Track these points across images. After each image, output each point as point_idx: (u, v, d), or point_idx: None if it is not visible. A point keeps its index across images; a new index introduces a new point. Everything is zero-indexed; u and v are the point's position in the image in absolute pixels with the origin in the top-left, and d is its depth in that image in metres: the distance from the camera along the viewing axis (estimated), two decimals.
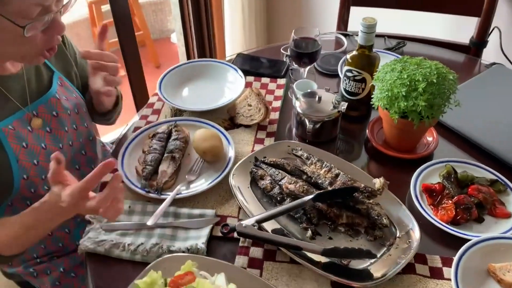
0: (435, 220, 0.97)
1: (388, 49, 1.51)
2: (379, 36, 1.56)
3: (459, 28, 1.74)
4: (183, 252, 0.93)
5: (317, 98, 1.17)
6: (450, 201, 0.99)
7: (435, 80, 0.99)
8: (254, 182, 1.07)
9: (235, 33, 2.56)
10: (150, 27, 3.76)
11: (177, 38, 2.84)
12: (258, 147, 1.17)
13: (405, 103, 1.00)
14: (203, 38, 2.52)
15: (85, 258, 0.95)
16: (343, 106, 1.16)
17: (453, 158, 1.10)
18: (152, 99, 1.34)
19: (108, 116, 1.24)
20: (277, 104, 1.31)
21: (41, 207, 0.89)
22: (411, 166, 1.09)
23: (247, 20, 2.42)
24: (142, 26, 3.43)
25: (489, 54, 1.61)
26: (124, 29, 2.19)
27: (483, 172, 1.07)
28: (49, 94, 1.09)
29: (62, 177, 0.88)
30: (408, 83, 1.00)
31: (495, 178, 1.05)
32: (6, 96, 1.00)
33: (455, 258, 0.87)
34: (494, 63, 1.40)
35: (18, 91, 1.03)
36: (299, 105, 1.17)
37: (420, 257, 0.93)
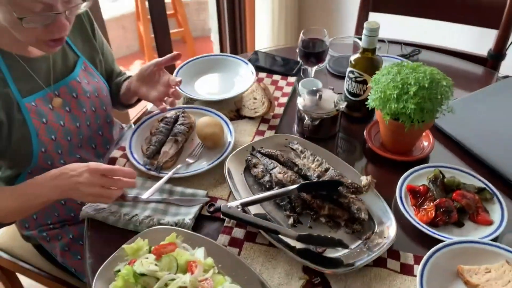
0: (414, 220, 0.99)
1: (403, 55, 1.53)
2: (397, 43, 1.59)
3: (478, 40, 1.72)
4: (171, 225, 1.01)
5: (318, 96, 1.22)
6: (432, 203, 1.01)
7: (426, 85, 1.02)
8: (247, 169, 1.13)
9: (264, 32, 2.64)
10: (192, 26, 3.90)
11: (213, 36, 2.96)
12: (258, 138, 1.23)
13: (396, 105, 1.03)
14: (235, 36, 2.62)
15: (85, 222, 1.05)
16: (342, 105, 1.20)
17: (447, 164, 1.12)
18: None
19: (129, 107, 1.44)
20: (284, 100, 1.37)
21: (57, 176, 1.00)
22: (405, 168, 1.12)
23: (277, 20, 2.49)
24: (183, 23, 3.58)
25: (508, 67, 1.60)
26: (159, 24, 2.33)
27: (472, 180, 1.08)
28: (71, 77, 1.20)
29: None
30: (401, 86, 1.03)
31: (483, 186, 1.06)
32: (32, 76, 1.11)
33: (425, 257, 0.90)
34: (507, 76, 1.40)
35: (43, 72, 1.14)
36: (300, 101, 1.23)
37: (393, 253, 0.96)
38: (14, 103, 1.07)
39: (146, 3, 3.39)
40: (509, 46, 1.55)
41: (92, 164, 0.99)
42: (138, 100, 1.42)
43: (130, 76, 1.37)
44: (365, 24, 1.15)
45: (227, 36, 2.70)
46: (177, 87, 1.23)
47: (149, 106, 1.40)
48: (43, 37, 0.99)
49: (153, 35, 3.33)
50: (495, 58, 1.57)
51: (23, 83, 1.09)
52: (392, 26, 1.70)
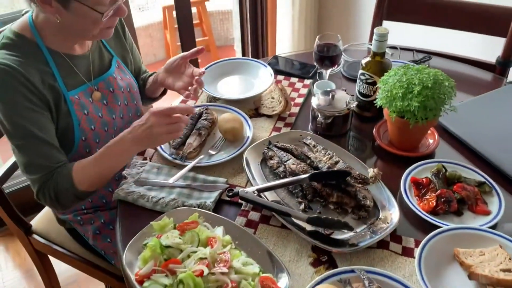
0: (417, 209, 1.08)
1: (414, 61, 1.62)
2: (409, 49, 1.68)
3: (487, 47, 1.79)
4: (194, 207, 1.12)
5: (331, 96, 1.32)
6: (433, 194, 1.09)
7: (430, 85, 1.11)
8: (264, 161, 1.24)
9: (285, 38, 2.75)
10: (216, 35, 4.06)
11: (236, 45, 3.09)
12: (274, 134, 1.33)
13: (401, 103, 1.12)
14: (257, 44, 2.75)
15: (117, 203, 1.17)
16: (353, 104, 1.30)
17: (450, 159, 1.20)
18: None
19: (154, 101, 1.58)
20: (300, 100, 1.48)
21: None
22: (411, 164, 1.20)
23: (297, 27, 2.60)
24: (208, 32, 3.74)
25: None
26: (185, 33, 2.48)
27: (473, 174, 1.16)
28: (108, 73, 1.33)
29: None
30: (406, 85, 1.13)
31: (483, 180, 1.13)
32: (75, 72, 1.25)
33: (424, 240, 0.98)
34: None
35: (84, 68, 1.28)
36: (315, 101, 1.33)
37: (396, 238, 1.04)
38: (61, 95, 1.20)
39: (174, 13, 3.58)
40: None
41: (153, 109, 1.12)
42: (162, 94, 1.55)
43: (154, 72, 1.51)
44: (375, 30, 1.25)
45: (249, 44, 2.83)
46: (203, 82, 1.36)
47: (175, 103, 1.53)
48: (106, 25, 1.16)
49: (179, 43, 3.51)
50: (503, 65, 1.64)
51: (68, 78, 1.23)
52: (404, 33, 1.80)
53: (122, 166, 1.21)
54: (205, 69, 1.56)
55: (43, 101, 1.16)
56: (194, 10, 3.66)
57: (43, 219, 1.63)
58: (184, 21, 2.52)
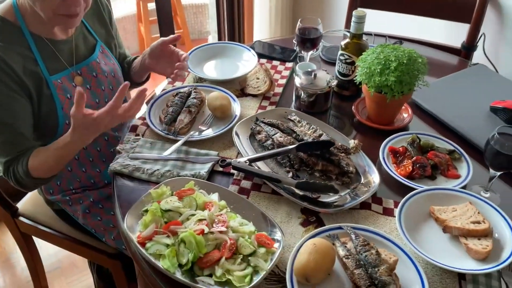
0: (395, 174, 1.18)
1: None
2: (381, 35, 1.79)
3: (453, 33, 1.93)
4: (189, 177, 1.18)
5: (313, 75, 1.41)
6: (409, 161, 1.20)
7: (405, 61, 1.21)
8: (252, 135, 1.31)
9: (262, 26, 2.83)
10: (190, 28, 4.09)
11: (212, 36, 3.14)
12: (260, 112, 1.41)
13: (379, 78, 1.22)
14: (234, 35, 2.81)
15: (113, 176, 1.22)
16: (334, 82, 1.39)
17: (423, 132, 1.31)
18: None
19: (139, 85, 1.60)
20: (283, 81, 1.56)
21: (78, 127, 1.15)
22: (388, 136, 1.30)
23: (273, 15, 2.68)
24: (182, 25, 3.76)
25: (479, 57, 1.81)
26: (165, 25, 2.52)
27: (444, 144, 1.27)
28: (91, 58, 1.37)
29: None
30: (383, 62, 1.23)
31: (453, 148, 1.25)
32: (57, 57, 1.28)
33: (403, 200, 1.08)
34: (477, 63, 1.60)
35: (67, 53, 1.31)
36: (298, 80, 1.41)
37: (377, 199, 1.14)
38: (43, 80, 1.23)
39: (148, 5, 3.59)
40: (479, 39, 1.76)
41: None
42: (147, 79, 1.60)
43: (137, 56, 1.55)
44: (354, 12, 1.35)
45: (226, 35, 2.89)
46: (186, 65, 1.40)
47: (158, 89, 1.58)
48: (60, 11, 1.15)
49: (154, 36, 3.53)
50: (467, 49, 1.78)
51: (50, 63, 1.25)
52: (378, 20, 1.90)
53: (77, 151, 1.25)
54: (189, 53, 1.62)
55: (22, 88, 1.19)
56: None
57: (30, 202, 1.64)
58: (164, 13, 2.56)
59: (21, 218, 1.60)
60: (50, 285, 2.00)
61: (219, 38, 2.92)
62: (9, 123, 1.18)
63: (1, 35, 1.17)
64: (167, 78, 1.54)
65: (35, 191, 1.65)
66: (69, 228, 1.55)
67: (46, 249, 2.16)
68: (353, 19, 1.36)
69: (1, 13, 1.20)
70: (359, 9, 1.35)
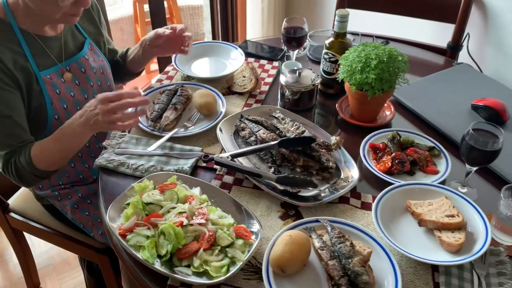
0: (374, 170, 1.20)
1: None
2: (369, 36, 1.81)
3: (439, 33, 1.96)
4: (172, 172, 1.20)
5: (297, 74, 1.43)
6: (389, 157, 1.22)
7: (385, 59, 1.23)
8: (237, 132, 1.34)
9: (255, 26, 2.87)
10: None
11: (206, 37, 3.17)
12: (246, 109, 1.43)
13: (360, 76, 1.24)
14: (227, 35, 2.84)
15: (99, 171, 1.24)
16: (318, 80, 1.42)
17: (404, 129, 1.33)
18: (168, 68, 1.64)
19: (136, 76, 1.64)
20: (269, 80, 1.58)
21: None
22: (370, 133, 1.32)
23: (266, 17, 2.71)
24: None
25: (465, 57, 1.83)
26: (159, 26, 2.55)
27: (425, 141, 1.29)
28: (80, 55, 1.39)
29: None
30: (364, 60, 1.25)
31: (433, 145, 1.27)
32: (47, 53, 1.31)
33: (380, 194, 1.10)
34: (461, 63, 1.62)
35: (56, 50, 1.33)
36: (283, 78, 1.43)
37: (356, 194, 1.16)
38: (32, 76, 1.26)
39: (144, 6, 3.63)
40: (464, 39, 1.79)
41: (100, 95, 1.15)
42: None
43: (129, 48, 1.59)
44: (337, 12, 1.37)
45: (220, 36, 2.93)
46: (176, 63, 1.45)
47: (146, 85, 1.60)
48: (69, 12, 1.20)
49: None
50: (453, 49, 1.81)
51: (40, 59, 1.28)
52: (365, 21, 1.93)
53: (80, 146, 1.25)
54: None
55: (14, 82, 1.21)
56: (165, 4, 3.72)
57: (20, 198, 1.67)
58: (157, 15, 2.60)
59: (12, 214, 1.63)
60: (42, 281, 2.03)
61: (213, 39, 2.96)
62: (8, 115, 1.20)
63: None
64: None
65: (25, 188, 1.68)
66: (58, 224, 1.57)
67: (39, 246, 2.18)
68: (336, 18, 1.38)
69: None
70: (342, 9, 1.38)
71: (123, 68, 1.58)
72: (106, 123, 1.14)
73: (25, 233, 1.74)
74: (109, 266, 1.53)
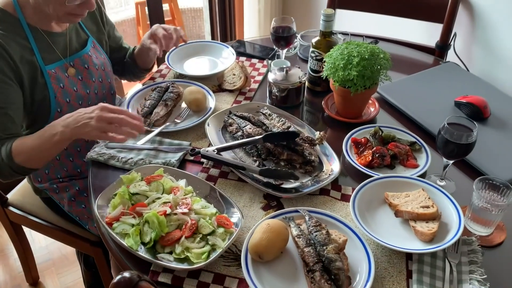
0: (355, 163, 1.23)
1: None
2: (358, 35, 1.85)
3: (428, 33, 1.99)
4: (160, 165, 1.24)
5: (285, 72, 1.47)
6: (370, 151, 1.25)
7: (367, 57, 1.27)
8: (224, 128, 1.38)
9: (251, 27, 2.92)
10: (188, 31, 4.19)
11: (206, 38, 3.23)
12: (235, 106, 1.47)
13: (342, 73, 1.28)
14: (226, 36, 2.90)
15: (89, 164, 1.29)
16: (304, 78, 1.46)
17: (388, 125, 1.37)
18: (161, 67, 1.69)
19: (148, 71, 1.69)
20: (259, 78, 1.63)
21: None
22: (354, 128, 1.36)
23: (263, 18, 2.77)
24: None
25: (453, 56, 1.87)
26: None
27: (406, 136, 1.32)
28: (84, 51, 1.45)
29: None
30: (347, 57, 1.29)
31: (414, 140, 1.30)
32: (52, 48, 1.37)
33: (358, 186, 1.14)
34: (447, 62, 1.66)
35: (61, 45, 1.40)
36: (271, 76, 1.48)
37: (336, 187, 1.20)
38: (38, 69, 1.32)
39: (146, 9, 3.69)
40: (452, 38, 1.82)
41: (102, 103, 1.18)
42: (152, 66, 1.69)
43: (135, 47, 1.64)
44: (322, 11, 1.41)
45: (219, 37, 2.98)
46: (169, 61, 1.49)
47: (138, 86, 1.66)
48: (74, 12, 1.27)
49: None
50: (441, 48, 1.84)
51: (46, 53, 1.34)
52: (355, 21, 1.97)
53: (56, 147, 1.21)
54: (171, 51, 1.69)
55: (16, 75, 1.26)
56: (166, 7, 3.79)
57: (19, 192, 1.72)
58: (156, 18, 2.66)
59: (11, 208, 1.68)
60: (41, 276, 2.08)
61: (212, 39, 3.01)
62: (2, 107, 1.24)
63: (2, 25, 1.26)
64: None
65: (25, 180, 1.73)
66: (55, 217, 1.63)
67: (39, 242, 2.24)
68: (321, 17, 1.42)
69: (1, 5, 1.29)
70: (327, 8, 1.42)
71: (134, 66, 1.64)
72: (97, 129, 1.14)
73: (24, 228, 1.80)
74: (103, 259, 1.58)
